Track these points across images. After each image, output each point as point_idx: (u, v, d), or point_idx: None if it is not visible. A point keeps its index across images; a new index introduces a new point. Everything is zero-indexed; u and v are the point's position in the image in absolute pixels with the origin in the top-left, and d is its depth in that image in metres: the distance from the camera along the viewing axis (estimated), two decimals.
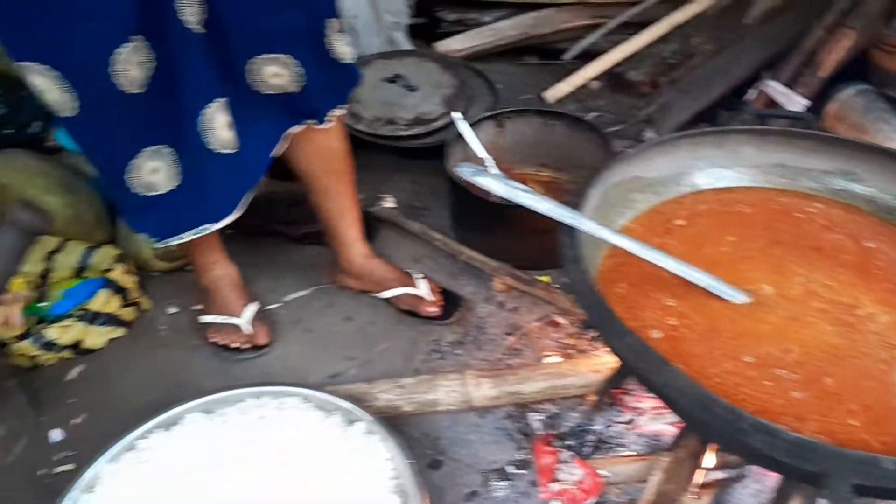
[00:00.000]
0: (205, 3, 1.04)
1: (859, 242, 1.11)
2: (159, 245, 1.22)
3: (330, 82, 1.22)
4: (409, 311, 1.50)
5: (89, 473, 1.03)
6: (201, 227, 1.20)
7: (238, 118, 1.15)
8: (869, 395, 0.88)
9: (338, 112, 1.29)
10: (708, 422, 0.80)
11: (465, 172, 1.04)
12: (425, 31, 2.35)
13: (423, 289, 1.49)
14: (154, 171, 1.12)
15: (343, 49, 1.19)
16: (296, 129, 1.27)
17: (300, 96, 1.20)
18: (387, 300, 1.53)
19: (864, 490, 0.72)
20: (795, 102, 1.74)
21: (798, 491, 1.03)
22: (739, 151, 1.26)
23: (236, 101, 1.14)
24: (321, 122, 1.27)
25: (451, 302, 1.51)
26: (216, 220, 1.21)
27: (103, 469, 1.04)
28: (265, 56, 1.13)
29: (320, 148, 1.33)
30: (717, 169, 1.27)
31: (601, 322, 0.91)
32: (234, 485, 0.91)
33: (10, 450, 1.28)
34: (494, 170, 1.71)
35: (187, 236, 1.21)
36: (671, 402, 0.89)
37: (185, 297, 1.60)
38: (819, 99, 1.75)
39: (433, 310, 1.47)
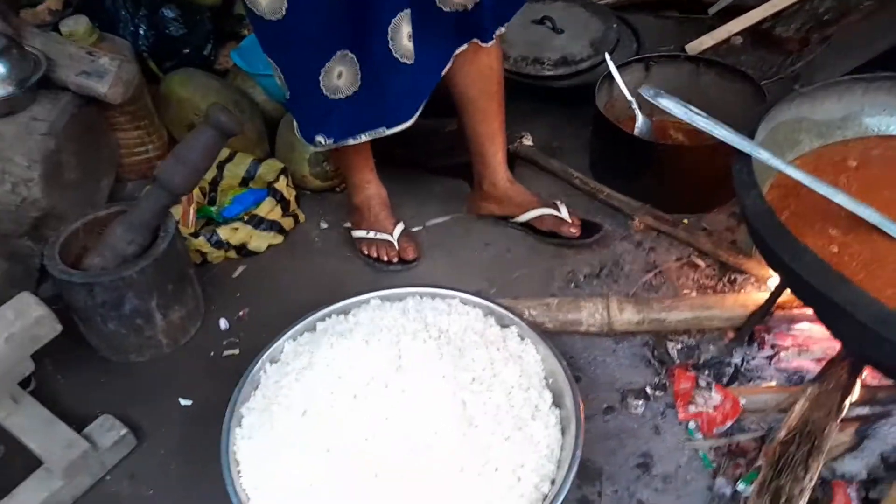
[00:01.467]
0: None
1: None
2: (336, 145, 1.31)
3: (498, 1, 1.28)
4: (549, 233, 1.55)
5: (273, 346, 1.15)
6: (376, 130, 1.30)
7: (417, 32, 1.23)
8: None
9: (502, 30, 1.35)
10: (886, 339, 0.82)
11: (645, 93, 1.08)
12: None
13: (563, 211, 1.54)
14: (339, 76, 1.21)
15: None
16: (464, 47, 1.33)
17: (473, 14, 1.26)
18: (526, 224, 1.58)
19: None
20: None
21: None
22: None
23: (418, 15, 1.21)
24: (486, 40, 1.33)
25: (589, 229, 1.55)
26: (391, 125, 1.29)
27: (286, 345, 1.15)
28: None
29: (481, 68, 1.38)
30: (887, 116, 1.25)
31: (775, 240, 0.94)
32: (408, 364, 1.00)
33: (188, 331, 1.42)
34: (640, 114, 1.74)
35: (364, 137, 1.30)
36: (839, 321, 0.91)
37: (335, 215, 1.71)
38: None
39: (574, 230, 1.52)
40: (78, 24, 1.54)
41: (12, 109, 1.38)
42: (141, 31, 1.73)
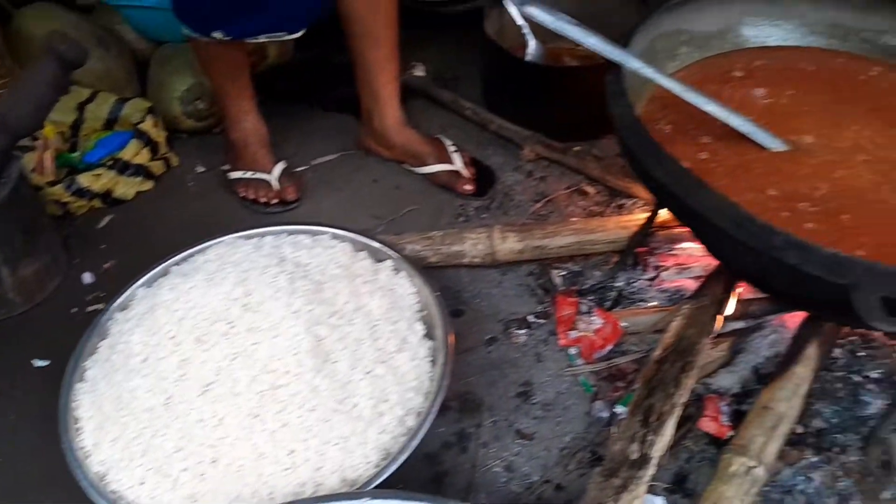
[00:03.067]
0: None
1: None
2: (233, 39, 1.25)
3: None
4: (443, 186, 1.49)
5: (124, 295, 1.06)
6: (280, 33, 1.24)
7: None
8: (884, 233, 0.88)
9: None
10: (741, 242, 0.79)
11: (511, 2, 1.01)
12: None
13: (458, 163, 1.48)
14: None
15: None
16: None
17: None
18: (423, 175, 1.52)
19: (891, 305, 0.71)
20: None
21: (814, 335, 1.04)
22: (794, 8, 1.21)
23: None
24: None
25: (483, 176, 1.50)
26: (293, 29, 1.25)
27: (137, 292, 1.07)
28: None
29: None
30: (766, 27, 1.23)
31: (640, 149, 0.91)
32: (255, 301, 0.93)
33: (44, 287, 1.31)
34: (532, 39, 1.67)
35: (265, 37, 1.25)
36: (703, 228, 0.88)
37: (212, 158, 1.60)
38: None
39: (469, 188, 1.47)
40: None
41: None
42: None
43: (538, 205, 1.46)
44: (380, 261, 1.12)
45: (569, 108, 1.54)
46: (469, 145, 1.59)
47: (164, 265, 1.09)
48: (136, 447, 0.86)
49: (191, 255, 1.07)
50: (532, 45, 1.62)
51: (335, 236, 1.12)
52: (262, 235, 1.10)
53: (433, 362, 1.00)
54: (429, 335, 1.04)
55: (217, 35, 1.23)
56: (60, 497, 0.97)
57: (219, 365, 0.88)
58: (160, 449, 0.85)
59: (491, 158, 1.58)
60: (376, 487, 0.83)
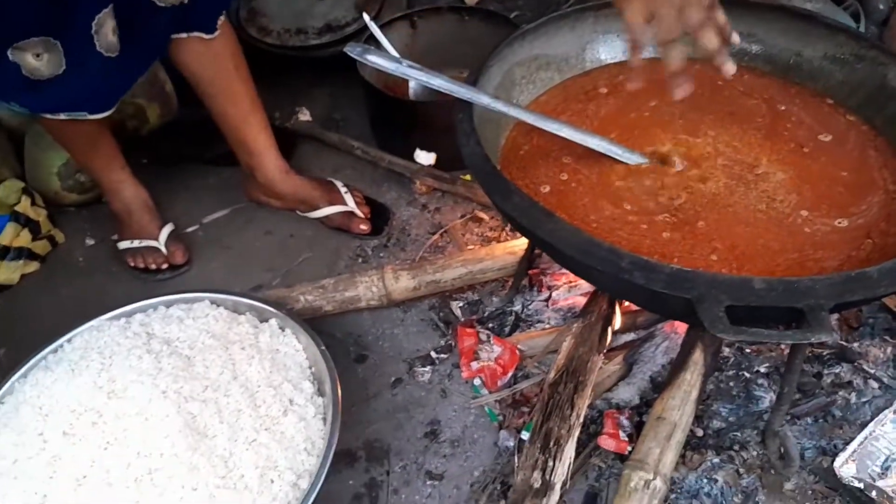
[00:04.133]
0: None
1: (773, 107, 1.13)
2: (31, 115, 1.23)
3: None
4: (338, 228, 1.48)
5: (3, 389, 1.01)
6: (78, 113, 1.19)
7: (126, 27, 1.12)
8: (738, 238, 0.91)
9: (222, 18, 1.26)
10: (592, 267, 0.80)
11: (352, 51, 1.01)
12: None
13: (351, 203, 1.47)
14: (38, 57, 1.08)
15: None
16: (182, 35, 1.23)
17: (190, 8, 1.17)
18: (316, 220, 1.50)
19: (735, 314, 0.73)
20: None
21: (698, 340, 1.06)
22: None
23: (127, 10, 1.11)
24: (210, 32, 1.24)
25: (377, 213, 1.50)
26: (94, 111, 1.19)
27: (14, 385, 1.02)
28: None
29: (211, 49, 1.28)
30: (620, 42, 1.26)
31: (490, 185, 0.91)
32: (120, 387, 0.90)
33: None
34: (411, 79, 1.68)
35: (62, 115, 1.19)
36: (559, 255, 0.89)
37: (102, 230, 1.55)
38: None
39: (364, 227, 1.46)
40: None
41: None
42: None
43: (435, 237, 1.46)
44: (264, 320, 1.10)
45: (447, 139, 1.54)
46: (362, 184, 1.59)
47: (38, 357, 1.04)
48: None
49: (60, 346, 1.03)
50: (412, 84, 1.63)
51: (213, 301, 1.09)
52: (132, 314, 1.06)
53: (324, 419, 0.98)
54: (320, 391, 1.03)
55: (15, 108, 1.20)
56: None
57: (91, 456, 0.84)
58: None
59: (385, 195, 1.57)
60: None
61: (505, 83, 1.15)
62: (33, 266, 1.45)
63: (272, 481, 0.89)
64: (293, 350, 1.05)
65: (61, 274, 1.47)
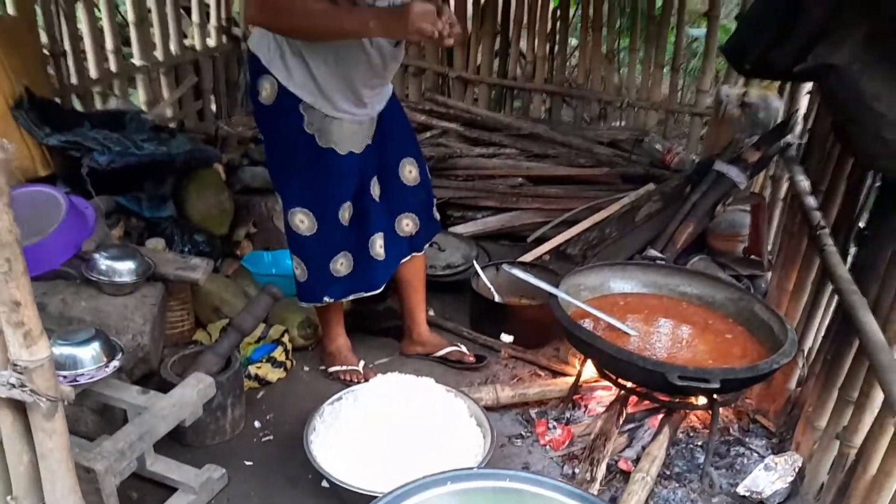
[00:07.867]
0: (380, 185, 2.28)
1: (705, 318, 2.33)
2: (335, 301, 2.33)
3: (427, 230, 2.44)
4: (455, 362, 2.58)
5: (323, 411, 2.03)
6: (359, 293, 2.34)
7: (386, 244, 2.34)
8: (682, 359, 2.05)
9: (426, 246, 2.50)
10: (627, 361, 1.93)
11: (506, 267, 2.23)
12: (443, 220, 3.65)
13: (463, 348, 2.60)
14: (342, 264, 2.26)
15: (436, 213, 2.44)
16: (411, 255, 2.46)
17: (415, 237, 2.41)
18: (441, 358, 2.60)
19: (683, 378, 1.85)
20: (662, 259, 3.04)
21: (667, 423, 2.13)
22: (633, 274, 2.51)
23: (388, 236, 2.33)
24: (420, 250, 2.47)
25: (479, 360, 2.61)
26: (368, 291, 2.35)
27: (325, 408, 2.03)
28: (404, 214, 2.35)
29: (415, 263, 2.50)
30: (621, 282, 2.50)
31: (574, 330, 2.06)
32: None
33: (238, 425, 2.21)
34: (493, 289, 2.91)
35: (353, 296, 2.34)
36: (607, 360, 2.02)
37: (312, 363, 2.62)
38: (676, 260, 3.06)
39: (470, 359, 2.57)
40: (157, 243, 2.49)
41: (133, 290, 2.24)
42: (186, 249, 2.68)
43: (513, 381, 2.55)
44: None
45: (523, 329, 2.72)
46: (469, 350, 2.71)
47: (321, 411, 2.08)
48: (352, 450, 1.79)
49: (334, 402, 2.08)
50: (493, 291, 2.86)
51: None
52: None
53: (483, 448, 2.00)
54: (484, 436, 2.05)
55: (327, 298, 2.33)
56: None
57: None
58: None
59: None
60: None
61: (569, 292, 2.35)
62: (283, 374, 2.49)
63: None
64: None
65: (294, 380, 2.51)
